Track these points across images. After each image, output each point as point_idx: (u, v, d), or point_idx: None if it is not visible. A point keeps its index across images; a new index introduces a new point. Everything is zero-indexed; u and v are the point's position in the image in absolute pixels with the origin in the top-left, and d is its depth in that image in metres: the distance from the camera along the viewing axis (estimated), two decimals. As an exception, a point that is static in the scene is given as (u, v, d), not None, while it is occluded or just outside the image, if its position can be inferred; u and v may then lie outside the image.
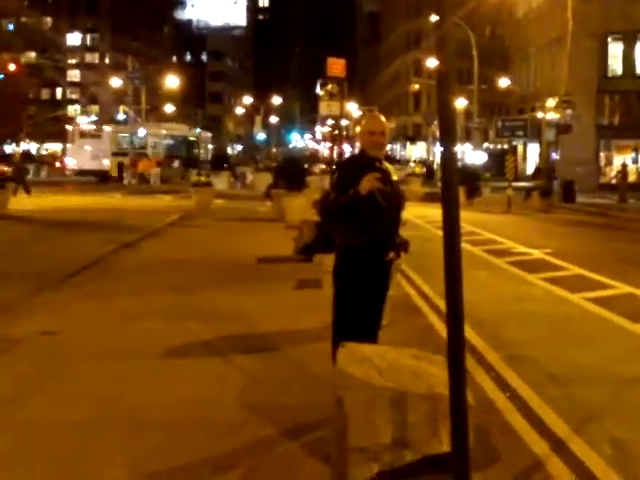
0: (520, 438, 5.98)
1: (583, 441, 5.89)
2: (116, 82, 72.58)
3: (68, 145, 60.02)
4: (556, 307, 11.55)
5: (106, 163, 55.80)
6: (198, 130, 67.88)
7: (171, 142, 60.29)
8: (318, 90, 43.43)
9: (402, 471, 4.72)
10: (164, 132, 60.87)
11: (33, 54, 73.48)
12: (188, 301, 11.20)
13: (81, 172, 55.16)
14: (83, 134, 58.37)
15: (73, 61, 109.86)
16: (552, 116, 41.73)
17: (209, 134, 71.17)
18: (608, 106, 53.77)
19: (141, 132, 59.28)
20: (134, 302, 11.03)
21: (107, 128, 60.07)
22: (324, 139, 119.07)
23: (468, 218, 24.24)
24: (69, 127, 62.60)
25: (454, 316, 4.15)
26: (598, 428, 6.24)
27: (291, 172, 26.55)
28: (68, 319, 9.86)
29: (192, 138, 62.79)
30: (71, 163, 57.40)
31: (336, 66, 21.51)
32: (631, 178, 44.05)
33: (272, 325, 9.67)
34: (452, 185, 4.18)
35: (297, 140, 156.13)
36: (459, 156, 56.95)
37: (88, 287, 12.29)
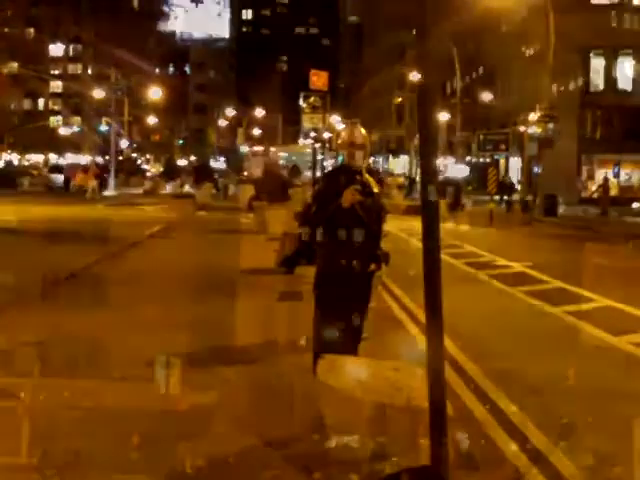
0: (499, 450, 5.99)
1: (563, 453, 5.90)
2: (99, 93, 72.39)
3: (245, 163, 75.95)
4: (536, 320, 11.60)
5: None
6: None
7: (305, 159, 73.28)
8: (301, 103, 43.52)
9: (382, 483, 4.73)
10: (303, 151, 75.16)
11: (15, 64, 73.08)
12: (170, 313, 11.15)
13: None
14: (254, 154, 73.74)
15: (56, 72, 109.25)
16: (534, 130, 41.88)
17: None
18: (590, 120, 54.05)
19: (291, 151, 77.36)
20: (116, 313, 10.97)
21: (272, 149, 76.92)
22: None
23: (450, 231, 24.32)
24: (246, 149, 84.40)
25: (434, 328, 4.18)
26: (578, 441, 6.27)
27: (273, 184, 26.50)
28: (50, 330, 9.79)
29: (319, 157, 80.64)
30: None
31: (319, 79, 21.52)
32: (612, 192, 44.32)
33: (253, 337, 9.65)
34: (432, 198, 4.21)
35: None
36: (441, 169, 57.04)
37: (70, 298, 12.22)
